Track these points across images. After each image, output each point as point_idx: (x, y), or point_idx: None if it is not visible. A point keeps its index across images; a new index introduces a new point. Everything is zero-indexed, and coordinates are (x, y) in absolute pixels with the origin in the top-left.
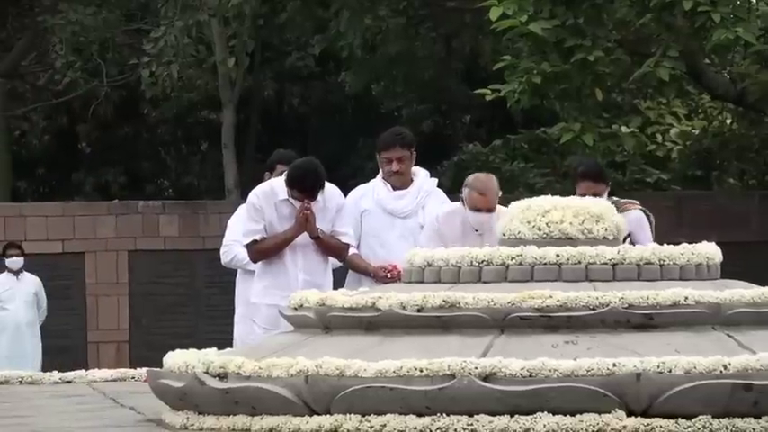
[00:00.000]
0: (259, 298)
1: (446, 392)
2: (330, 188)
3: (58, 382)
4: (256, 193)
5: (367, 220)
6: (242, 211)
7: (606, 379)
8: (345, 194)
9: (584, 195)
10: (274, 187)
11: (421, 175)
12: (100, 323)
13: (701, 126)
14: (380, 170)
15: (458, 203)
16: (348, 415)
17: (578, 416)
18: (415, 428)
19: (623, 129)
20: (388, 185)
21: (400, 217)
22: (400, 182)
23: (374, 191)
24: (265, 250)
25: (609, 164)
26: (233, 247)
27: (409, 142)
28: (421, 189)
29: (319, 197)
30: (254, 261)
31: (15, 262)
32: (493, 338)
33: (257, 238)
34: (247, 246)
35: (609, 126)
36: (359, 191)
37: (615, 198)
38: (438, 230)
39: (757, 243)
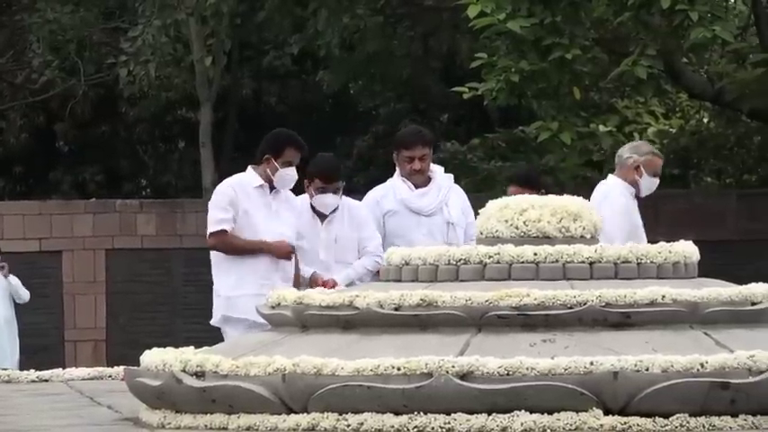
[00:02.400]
0: (234, 291)
1: (423, 391)
2: (354, 202)
3: (34, 381)
4: (230, 184)
5: (391, 220)
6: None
7: (583, 377)
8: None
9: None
10: (246, 177)
11: (438, 171)
12: (77, 322)
13: (678, 125)
14: (399, 169)
15: None
16: (325, 413)
17: (556, 414)
18: (393, 427)
19: (601, 127)
20: (409, 184)
21: (425, 215)
22: (420, 180)
23: (395, 191)
24: (236, 247)
25: (586, 162)
26: None
27: (430, 140)
28: (442, 186)
29: (341, 208)
30: (216, 250)
31: None
32: (470, 337)
33: (227, 228)
34: (215, 233)
35: (586, 125)
36: (378, 191)
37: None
38: None
39: (734, 241)
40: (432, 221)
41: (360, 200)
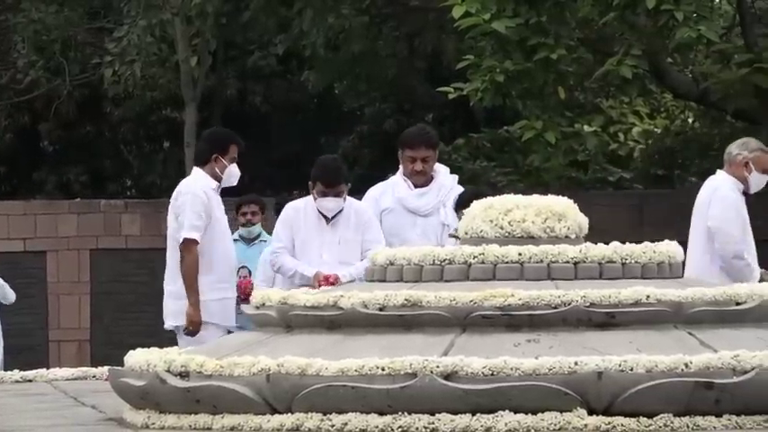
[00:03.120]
0: (206, 295)
1: (408, 391)
2: (360, 204)
3: (19, 381)
4: (202, 188)
5: (387, 218)
6: (283, 214)
7: (568, 377)
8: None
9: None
10: (203, 179)
11: (442, 171)
12: (61, 322)
13: (663, 125)
14: (401, 167)
15: None
16: (309, 414)
17: (540, 414)
18: (377, 427)
19: (585, 127)
20: (409, 183)
21: (421, 215)
22: (421, 181)
23: (394, 188)
24: (189, 268)
25: (571, 162)
26: (281, 256)
27: (435, 142)
28: (442, 186)
29: (347, 210)
30: (180, 254)
31: None
32: (455, 337)
33: (198, 239)
34: (190, 241)
35: (571, 125)
36: (378, 188)
37: None
38: None
39: None
40: (427, 222)
41: (357, 198)
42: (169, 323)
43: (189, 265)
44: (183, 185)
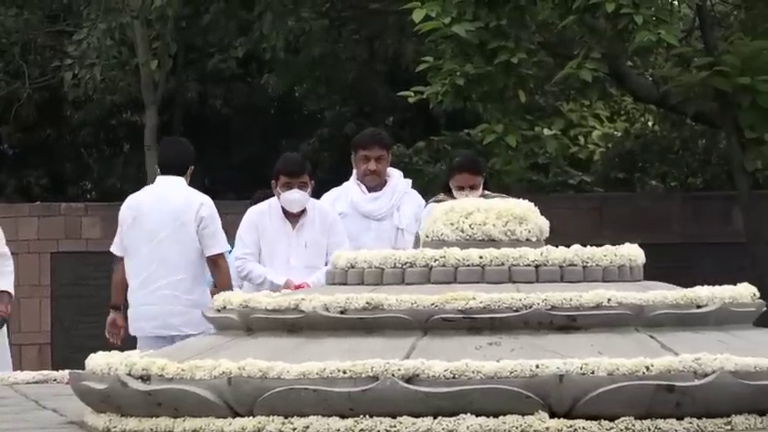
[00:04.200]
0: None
1: (369, 394)
2: (324, 205)
3: None
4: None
5: (342, 223)
6: (246, 218)
7: (529, 380)
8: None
9: (461, 187)
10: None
11: (395, 175)
12: (22, 325)
13: (623, 128)
14: (355, 170)
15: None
16: (271, 417)
17: (501, 417)
18: (338, 430)
19: (546, 131)
20: (363, 187)
21: (375, 219)
22: (375, 182)
23: (348, 193)
24: (229, 277)
25: (531, 165)
26: (249, 263)
27: (388, 143)
28: (396, 190)
29: (312, 212)
30: (218, 270)
31: None
32: (416, 340)
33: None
34: (223, 255)
35: (532, 128)
36: (332, 193)
37: (488, 192)
38: None
39: (679, 244)
40: (381, 226)
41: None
42: (199, 329)
43: (229, 275)
44: (202, 196)
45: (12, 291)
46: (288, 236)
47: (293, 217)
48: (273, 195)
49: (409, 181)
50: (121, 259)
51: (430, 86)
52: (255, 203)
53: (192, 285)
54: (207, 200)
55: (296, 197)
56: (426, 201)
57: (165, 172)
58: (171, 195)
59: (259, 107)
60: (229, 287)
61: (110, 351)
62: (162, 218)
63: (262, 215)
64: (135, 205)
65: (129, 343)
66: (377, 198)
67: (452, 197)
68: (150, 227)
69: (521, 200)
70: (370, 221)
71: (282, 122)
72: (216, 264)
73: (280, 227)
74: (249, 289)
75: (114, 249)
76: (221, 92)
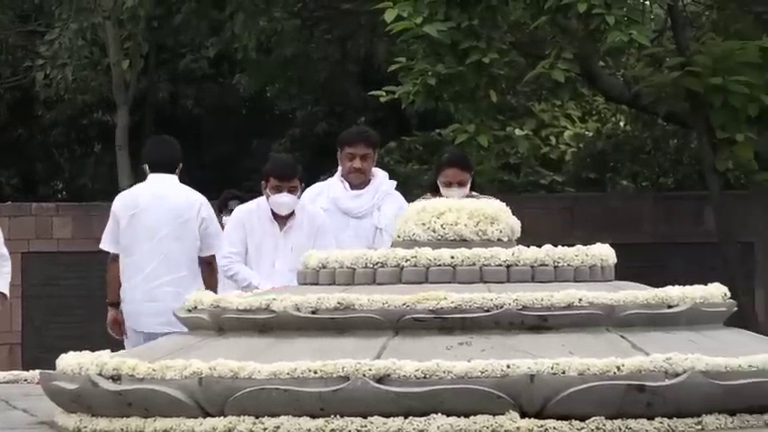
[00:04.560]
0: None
1: (340, 394)
2: (313, 209)
3: None
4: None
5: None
6: (235, 217)
7: (500, 380)
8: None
9: (449, 183)
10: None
11: (380, 175)
12: None
13: (594, 128)
14: (340, 167)
15: None
16: (242, 417)
17: (472, 417)
18: (309, 430)
19: (517, 131)
20: (346, 184)
21: (354, 217)
22: (359, 180)
23: (330, 189)
24: (111, 279)
25: (503, 165)
26: (236, 264)
27: (374, 142)
28: (378, 189)
29: (300, 209)
30: (211, 272)
31: None
32: (387, 340)
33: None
34: (110, 254)
35: (503, 128)
36: (315, 188)
37: (474, 193)
38: None
39: (650, 244)
40: (360, 224)
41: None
42: None
43: (110, 275)
44: (200, 195)
45: (7, 292)
46: (275, 238)
47: (281, 219)
48: (240, 196)
49: (393, 182)
50: (116, 256)
51: (402, 86)
52: (224, 203)
53: (193, 282)
54: (205, 199)
55: (285, 200)
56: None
57: (155, 170)
58: (169, 193)
59: (230, 107)
60: (216, 288)
61: (80, 351)
62: (162, 215)
63: (250, 214)
64: (131, 202)
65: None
66: (358, 196)
67: (440, 197)
68: (150, 224)
69: (494, 200)
70: (349, 219)
71: (254, 122)
72: (210, 264)
73: (267, 227)
74: (228, 286)
75: (107, 246)
76: (193, 92)
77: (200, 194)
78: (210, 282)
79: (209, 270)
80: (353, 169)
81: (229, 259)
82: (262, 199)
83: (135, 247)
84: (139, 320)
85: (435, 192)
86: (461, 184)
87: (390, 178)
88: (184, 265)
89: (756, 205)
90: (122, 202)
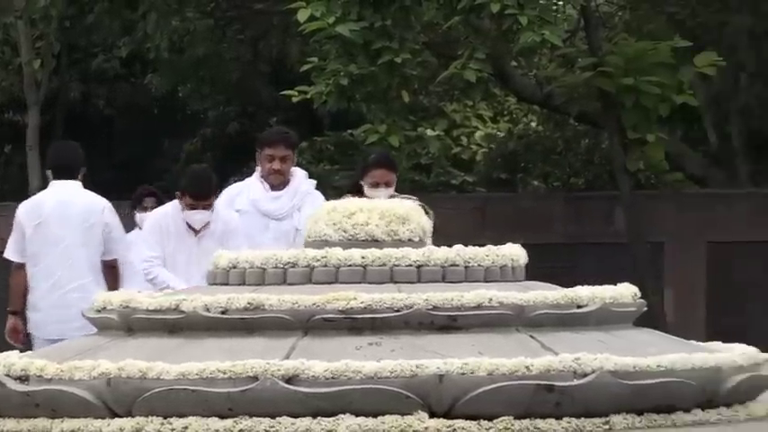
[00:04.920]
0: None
1: (249, 394)
2: (228, 213)
3: None
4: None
5: (241, 220)
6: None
7: (409, 380)
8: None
9: (377, 184)
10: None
11: (298, 175)
12: None
13: (506, 129)
14: (259, 168)
15: None
16: (150, 417)
17: (380, 417)
18: (217, 431)
19: (429, 131)
20: (265, 185)
21: (274, 219)
22: (278, 181)
23: (249, 190)
24: (15, 286)
25: (414, 166)
26: (156, 267)
27: (294, 143)
28: (298, 190)
29: (215, 219)
30: (116, 276)
31: None
32: (297, 340)
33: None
34: (12, 262)
35: (415, 128)
36: (234, 188)
37: (395, 193)
38: None
39: (561, 244)
40: (279, 226)
41: None
42: None
43: (13, 284)
44: (102, 200)
45: None
46: (189, 244)
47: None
48: (155, 192)
49: (313, 182)
50: (20, 265)
51: (314, 86)
52: (139, 200)
53: (96, 287)
54: (108, 204)
55: (199, 218)
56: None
57: (58, 176)
58: (73, 199)
59: (142, 107)
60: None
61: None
62: (67, 222)
63: (165, 216)
64: (35, 210)
65: (28, 346)
66: (278, 197)
67: (362, 197)
68: (56, 231)
69: (406, 199)
70: (268, 220)
71: (166, 122)
72: (114, 268)
73: (183, 232)
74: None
75: (11, 255)
76: (104, 92)
77: (103, 199)
78: (114, 286)
79: (112, 274)
80: (273, 171)
81: (150, 263)
82: (176, 202)
83: (42, 255)
84: (48, 328)
85: (357, 193)
86: (388, 185)
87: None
88: (89, 271)
89: (666, 205)
90: (26, 210)
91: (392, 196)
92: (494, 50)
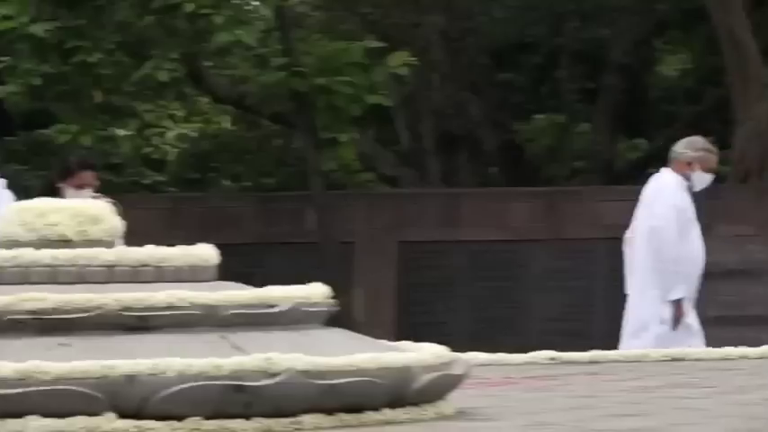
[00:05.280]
0: None
1: None
2: None
3: None
4: None
5: None
6: None
7: (98, 381)
8: None
9: (82, 185)
10: None
11: None
12: None
13: (198, 128)
14: None
15: None
16: None
17: (69, 419)
18: None
19: (120, 131)
20: None
21: None
22: None
23: None
24: None
25: (106, 166)
26: None
27: None
28: None
29: None
30: None
31: None
32: None
33: None
34: None
35: (106, 128)
36: None
37: (93, 192)
38: None
39: (252, 244)
40: None
41: None
42: None
43: None
44: None
45: None
46: None
47: None
48: None
49: (4, 180)
50: None
51: (6, 86)
52: None
53: None
54: None
55: None
56: None
57: None
58: None
59: None
60: None
61: None
62: None
63: None
64: None
65: None
66: None
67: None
68: None
69: (101, 200)
70: None
71: None
72: None
73: None
74: None
75: None
76: None
77: None
78: None
79: None
80: None
81: None
82: None
83: None
84: None
85: (52, 193)
86: (94, 187)
87: None
88: None
89: (357, 205)
90: None
91: (94, 197)
92: (187, 50)
